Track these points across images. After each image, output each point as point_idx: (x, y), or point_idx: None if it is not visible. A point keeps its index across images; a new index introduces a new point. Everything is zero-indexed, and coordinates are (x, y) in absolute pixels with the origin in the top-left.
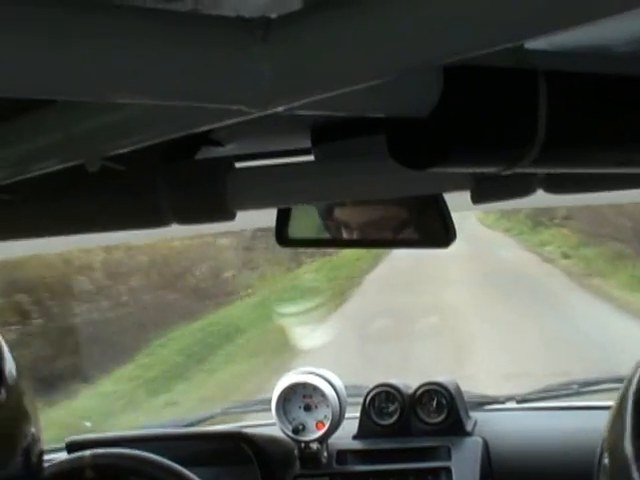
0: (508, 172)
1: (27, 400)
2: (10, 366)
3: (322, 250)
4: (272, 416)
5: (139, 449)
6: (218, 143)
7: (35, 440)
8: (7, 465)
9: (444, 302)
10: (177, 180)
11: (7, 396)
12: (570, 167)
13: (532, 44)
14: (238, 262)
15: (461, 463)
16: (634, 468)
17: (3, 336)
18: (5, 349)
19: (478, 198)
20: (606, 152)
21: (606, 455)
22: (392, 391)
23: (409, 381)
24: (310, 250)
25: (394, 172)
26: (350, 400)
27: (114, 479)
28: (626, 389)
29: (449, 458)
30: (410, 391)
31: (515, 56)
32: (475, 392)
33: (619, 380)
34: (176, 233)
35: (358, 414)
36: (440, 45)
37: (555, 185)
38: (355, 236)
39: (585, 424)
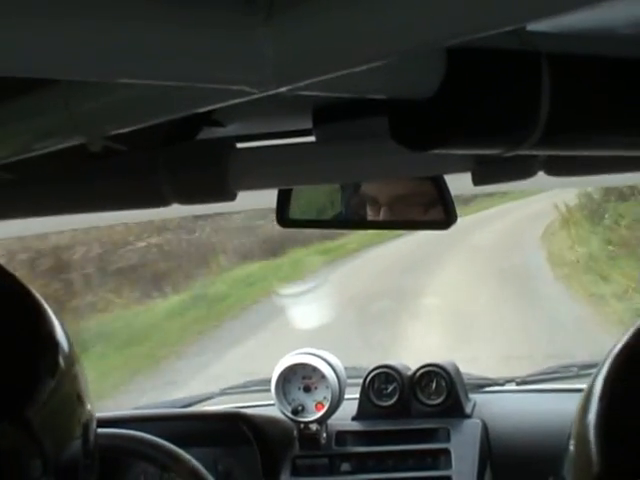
0: (510, 154)
1: (81, 374)
2: (64, 339)
3: None
4: (271, 397)
5: (136, 429)
6: (220, 124)
7: (92, 418)
8: (67, 446)
9: None
10: (178, 160)
11: (66, 369)
12: (573, 150)
13: (535, 26)
14: None
15: (460, 445)
16: (596, 460)
17: None
18: (55, 320)
19: (479, 180)
20: (609, 135)
21: (572, 442)
22: (391, 372)
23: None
24: None
25: (395, 153)
26: (349, 381)
27: (113, 460)
28: (595, 377)
29: (448, 440)
30: (409, 373)
31: (518, 38)
32: (475, 374)
33: None
34: (177, 213)
35: (357, 395)
36: (443, 27)
37: (556, 167)
38: (356, 217)
39: None
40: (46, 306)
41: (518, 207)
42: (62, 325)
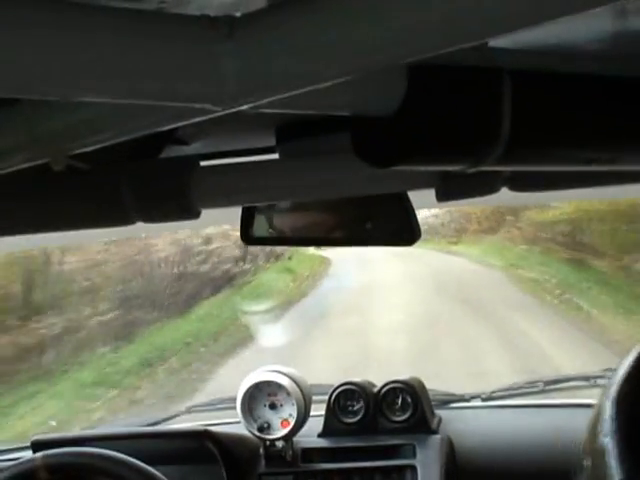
0: (473, 170)
1: None
2: None
3: None
4: (237, 414)
5: (104, 448)
6: (183, 142)
7: None
8: None
9: None
10: (142, 178)
11: None
12: (535, 165)
13: (496, 42)
14: None
15: (426, 461)
16: (615, 470)
17: None
18: None
19: (443, 196)
20: (570, 151)
21: (587, 457)
22: (357, 389)
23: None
24: None
25: (359, 170)
26: (315, 398)
27: (78, 478)
28: (607, 389)
29: (414, 456)
30: (375, 389)
31: (479, 55)
32: (440, 390)
33: (585, 378)
34: (141, 231)
35: (323, 412)
36: (404, 44)
37: (520, 183)
38: (320, 234)
39: (550, 422)
40: None
41: None
42: None
